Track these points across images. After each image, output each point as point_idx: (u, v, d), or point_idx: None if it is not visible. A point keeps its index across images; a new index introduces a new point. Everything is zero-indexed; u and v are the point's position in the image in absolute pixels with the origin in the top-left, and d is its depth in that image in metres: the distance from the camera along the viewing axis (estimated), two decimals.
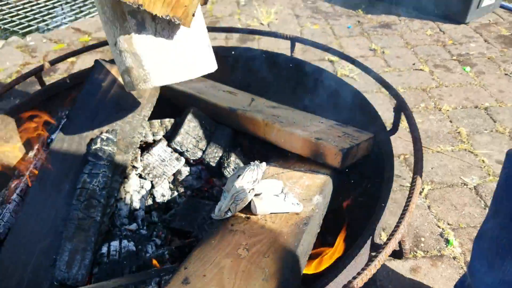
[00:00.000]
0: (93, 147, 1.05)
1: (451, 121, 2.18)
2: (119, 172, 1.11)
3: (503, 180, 0.94)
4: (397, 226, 0.84)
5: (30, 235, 0.98)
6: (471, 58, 2.77)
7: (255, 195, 0.89)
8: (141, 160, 1.23)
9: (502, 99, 2.35)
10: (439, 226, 1.68)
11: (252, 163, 0.96)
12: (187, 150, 1.24)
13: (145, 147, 1.27)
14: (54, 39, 3.52)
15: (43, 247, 0.94)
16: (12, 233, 0.98)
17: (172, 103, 1.40)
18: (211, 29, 1.66)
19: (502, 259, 0.93)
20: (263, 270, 0.74)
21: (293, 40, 1.51)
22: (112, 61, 1.43)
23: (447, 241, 1.61)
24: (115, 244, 0.97)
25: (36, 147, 1.26)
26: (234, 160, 1.18)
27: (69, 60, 3.19)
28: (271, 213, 0.89)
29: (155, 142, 1.26)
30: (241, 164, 1.18)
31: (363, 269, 0.73)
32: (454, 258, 1.55)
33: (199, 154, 1.25)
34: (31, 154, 1.26)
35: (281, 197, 0.89)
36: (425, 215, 1.73)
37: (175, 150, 1.24)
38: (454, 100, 2.35)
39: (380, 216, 0.92)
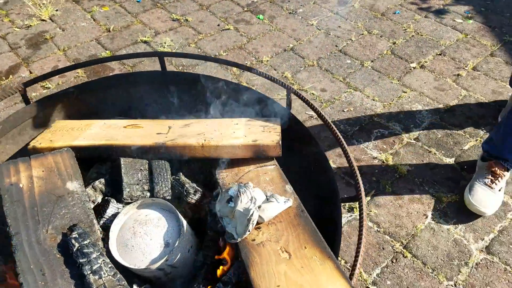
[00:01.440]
0: (75, 249, 1.02)
1: (275, 69, 2.63)
2: (101, 250, 1.10)
3: None
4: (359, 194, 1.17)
5: None
6: (258, 6, 3.22)
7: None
8: (100, 227, 1.22)
9: (298, 36, 2.91)
10: None
11: (234, 184, 1.13)
12: (137, 199, 1.28)
13: (96, 211, 1.24)
14: None
15: None
16: None
17: (93, 160, 1.36)
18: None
19: None
20: (313, 258, 0.98)
21: (161, 55, 1.58)
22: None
23: None
24: None
25: None
26: (188, 185, 1.30)
27: None
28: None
29: (105, 204, 1.25)
30: (196, 186, 1.31)
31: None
32: None
33: (149, 195, 1.31)
34: None
35: (274, 200, 1.11)
36: None
37: (128, 203, 1.27)
38: (267, 49, 2.79)
39: (338, 192, 1.25)
